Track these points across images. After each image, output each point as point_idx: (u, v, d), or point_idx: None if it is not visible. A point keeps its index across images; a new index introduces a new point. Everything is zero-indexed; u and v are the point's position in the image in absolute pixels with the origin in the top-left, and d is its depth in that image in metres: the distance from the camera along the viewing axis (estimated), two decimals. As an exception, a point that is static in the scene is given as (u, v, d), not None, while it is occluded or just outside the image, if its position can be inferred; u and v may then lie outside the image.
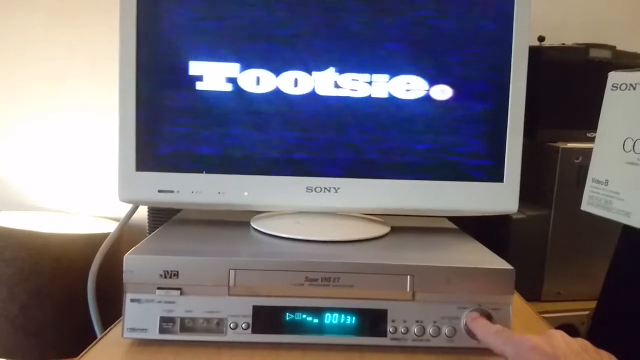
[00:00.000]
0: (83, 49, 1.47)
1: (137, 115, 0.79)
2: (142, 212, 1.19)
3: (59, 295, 1.22)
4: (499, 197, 0.83)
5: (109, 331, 0.74)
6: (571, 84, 1.18)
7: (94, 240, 1.23)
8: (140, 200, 0.83)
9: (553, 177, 1.13)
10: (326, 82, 0.81)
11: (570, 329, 1.12)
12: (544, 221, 1.15)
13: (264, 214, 0.92)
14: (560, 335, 0.56)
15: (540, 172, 1.17)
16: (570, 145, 1.14)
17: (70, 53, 1.47)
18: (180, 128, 0.80)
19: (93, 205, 1.54)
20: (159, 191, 0.81)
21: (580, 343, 0.55)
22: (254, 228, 0.86)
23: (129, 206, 0.91)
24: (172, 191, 0.81)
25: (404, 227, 0.92)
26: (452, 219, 1.02)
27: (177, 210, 1.00)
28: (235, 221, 0.90)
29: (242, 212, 0.91)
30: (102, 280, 0.95)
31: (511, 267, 0.71)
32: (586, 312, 1.15)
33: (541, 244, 1.15)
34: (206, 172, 0.81)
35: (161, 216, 1.20)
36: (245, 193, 0.81)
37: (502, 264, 0.72)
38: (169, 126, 0.80)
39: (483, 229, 0.96)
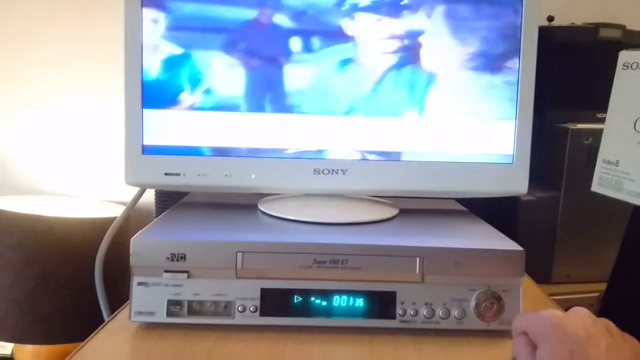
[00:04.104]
0: (87, 33, 1.46)
1: (143, 97, 0.79)
2: (149, 196, 1.19)
3: (66, 279, 1.22)
4: (508, 179, 0.83)
5: (116, 315, 0.74)
6: (581, 64, 1.17)
7: (101, 224, 1.23)
8: (147, 184, 0.83)
9: (562, 158, 1.12)
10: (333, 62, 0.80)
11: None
12: (553, 203, 1.14)
13: (272, 196, 0.92)
14: (586, 314, 0.54)
15: (549, 154, 1.15)
16: (579, 126, 1.12)
17: (75, 37, 1.46)
18: (187, 110, 0.79)
19: (100, 189, 1.54)
20: (166, 174, 0.80)
21: (605, 323, 0.54)
22: (261, 211, 0.85)
23: (136, 189, 0.91)
24: (178, 174, 0.80)
25: (412, 209, 0.92)
26: (460, 200, 1.01)
27: (184, 193, 1.00)
28: (243, 204, 0.90)
29: (249, 195, 0.91)
30: (109, 264, 0.94)
31: (521, 249, 0.70)
32: (596, 295, 1.15)
33: (551, 225, 1.15)
34: (213, 155, 0.80)
35: (168, 199, 1.19)
36: (252, 176, 0.81)
37: (512, 246, 0.71)
38: (176, 109, 0.79)
39: (492, 210, 0.95)
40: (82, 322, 1.23)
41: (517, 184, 0.83)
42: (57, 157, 1.53)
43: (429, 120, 0.81)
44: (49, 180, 1.54)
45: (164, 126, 0.80)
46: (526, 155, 0.82)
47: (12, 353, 1.51)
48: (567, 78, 1.17)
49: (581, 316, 0.54)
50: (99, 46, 1.47)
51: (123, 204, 1.44)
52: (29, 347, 1.40)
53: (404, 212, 0.88)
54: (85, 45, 1.47)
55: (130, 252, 0.68)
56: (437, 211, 0.93)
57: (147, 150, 0.80)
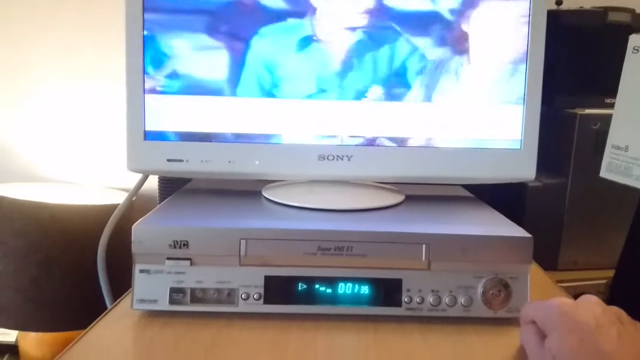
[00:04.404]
0: (90, 20, 1.46)
1: (145, 83, 0.78)
2: (153, 182, 1.19)
3: (69, 266, 1.22)
4: (516, 165, 0.81)
5: (118, 303, 0.73)
6: (589, 49, 1.15)
7: (104, 211, 1.23)
8: (149, 170, 0.82)
9: (570, 144, 1.11)
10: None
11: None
12: (560, 189, 1.13)
13: (276, 183, 0.91)
14: (596, 302, 0.53)
15: (557, 139, 1.14)
16: (588, 111, 1.11)
17: (78, 24, 1.46)
18: (189, 95, 0.78)
19: (103, 176, 1.54)
20: (168, 160, 0.79)
21: (616, 311, 0.53)
22: (265, 197, 0.84)
23: (139, 176, 0.91)
24: (181, 160, 0.79)
25: (418, 195, 0.91)
26: (467, 187, 1.00)
27: (188, 180, 0.99)
28: (247, 190, 0.89)
29: (253, 182, 0.90)
30: (112, 251, 0.94)
31: (529, 235, 0.69)
32: (603, 282, 1.14)
33: (558, 212, 1.13)
34: (216, 141, 0.79)
35: (172, 186, 1.19)
36: (256, 162, 0.80)
37: (519, 232, 0.70)
38: (178, 94, 0.78)
39: (498, 197, 0.94)
40: (85, 310, 1.23)
41: (525, 170, 0.82)
42: (60, 144, 1.53)
43: (436, 106, 0.80)
44: (52, 167, 1.54)
45: (166, 112, 0.79)
46: (534, 141, 0.81)
47: (16, 340, 1.51)
48: (576, 62, 1.15)
49: (591, 304, 0.53)
50: (102, 33, 1.46)
51: (126, 190, 1.43)
52: (32, 335, 1.40)
53: (410, 199, 0.87)
54: (88, 33, 1.47)
55: (132, 240, 0.67)
56: (443, 197, 0.92)
57: (149, 136, 0.79)
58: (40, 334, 1.39)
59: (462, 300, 0.69)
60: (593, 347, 0.48)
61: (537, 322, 0.55)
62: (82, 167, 1.54)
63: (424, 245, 0.68)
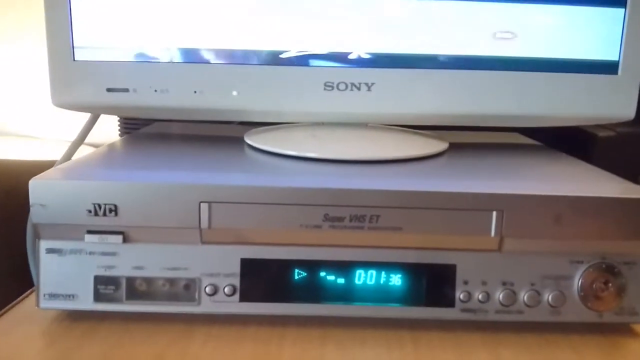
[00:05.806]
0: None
1: None
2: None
3: (14, 236, 1.04)
4: (610, 97, 0.60)
5: (26, 297, 0.56)
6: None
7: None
8: (81, 104, 0.62)
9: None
10: None
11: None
12: (638, 140, 0.92)
13: (264, 127, 0.71)
14: None
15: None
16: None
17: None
18: None
19: (65, 128, 1.38)
20: (108, 90, 0.60)
21: None
22: (248, 145, 0.64)
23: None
24: (126, 89, 0.61)
25: (466, 143, 0.70)
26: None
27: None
28: (226, 137, 0.70)
29: (236, 127, 0.77)
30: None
31: None
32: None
33: (634, 170, 0.93)
34: (176, 61, 0.60)
35: (137, 129, 1.02)
36: (234, 92, 0.60)
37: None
38: None
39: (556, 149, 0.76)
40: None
41: (622, 105, 0.61)
42: (13, 90, 1.37)
43: (497, 6, 0.58)
44: (5, 118, 1.40)
45: (103, 19, 0.59)
46: (637, 62, 0.60)
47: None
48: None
49: None
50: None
51: (95, 145, 1.25)
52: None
53: (455, 147, 0.66)
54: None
55: (30, 202, 0.47)
56: (502, 146, 0.71)
57: (80, 54, 0.60)
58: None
59: (549, 297, 0.50)
60: None
61: None
62: (41, 118, 1.40)
63: (494, 213, 0.48)
